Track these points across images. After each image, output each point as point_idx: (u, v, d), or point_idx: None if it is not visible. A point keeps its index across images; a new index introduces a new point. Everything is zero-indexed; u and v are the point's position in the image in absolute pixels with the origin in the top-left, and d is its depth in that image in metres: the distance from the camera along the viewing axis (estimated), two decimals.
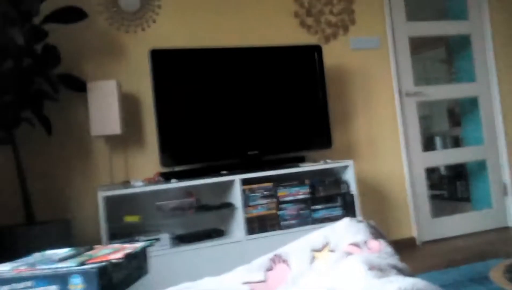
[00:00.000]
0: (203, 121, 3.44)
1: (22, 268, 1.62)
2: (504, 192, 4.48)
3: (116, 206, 3.17)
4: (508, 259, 2.56)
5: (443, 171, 4.97)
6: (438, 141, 4.93)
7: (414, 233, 4.11)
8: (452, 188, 4.99)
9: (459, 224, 4.31)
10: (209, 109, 3.45)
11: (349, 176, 3.52)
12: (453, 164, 4.75)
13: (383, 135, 4.14)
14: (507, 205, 4.48)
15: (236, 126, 3.49)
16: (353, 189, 3.49)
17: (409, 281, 0.80)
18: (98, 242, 2.88)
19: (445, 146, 4.92)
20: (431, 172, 4.41)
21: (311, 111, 3.65)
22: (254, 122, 3.53)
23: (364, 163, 4.04)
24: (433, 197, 4.36)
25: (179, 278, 2.66)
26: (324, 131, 3.68)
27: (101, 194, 3.00)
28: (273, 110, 3.58)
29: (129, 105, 3.53)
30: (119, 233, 3.07)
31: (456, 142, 4.99)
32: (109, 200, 3.07)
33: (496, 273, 2.23)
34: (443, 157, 4.44)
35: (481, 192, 4.61)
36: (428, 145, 4.58)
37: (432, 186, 4.39)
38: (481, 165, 4.56)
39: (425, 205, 4.22)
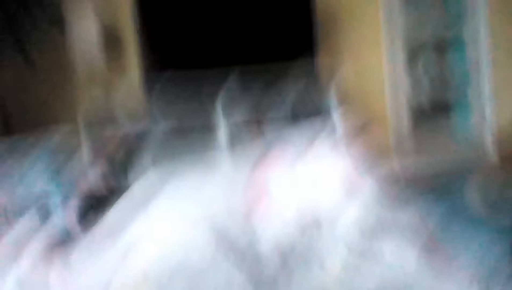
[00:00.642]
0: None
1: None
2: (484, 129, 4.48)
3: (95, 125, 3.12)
4: None
5: (426, 105, 4.95)
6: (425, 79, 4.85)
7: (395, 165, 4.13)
8: (434, 122, 4.97)
9: (439, 156, 4.34)
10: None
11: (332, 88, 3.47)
12: (437, 100, 4.73)
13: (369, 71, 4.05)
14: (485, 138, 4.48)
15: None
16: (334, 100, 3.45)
17: (387, 206, 0.83)
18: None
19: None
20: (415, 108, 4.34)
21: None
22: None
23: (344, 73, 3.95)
24: (415, 131, 4.33)
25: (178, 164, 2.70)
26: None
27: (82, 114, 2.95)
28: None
29: (109, 39, 3.38)
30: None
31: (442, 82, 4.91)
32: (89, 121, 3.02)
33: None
34: (427, 91, 4.40)
35: (462, 126, 4.59)
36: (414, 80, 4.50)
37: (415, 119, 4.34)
38: (464, 100, 4.51)
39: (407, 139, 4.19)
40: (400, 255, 0.70)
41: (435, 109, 4.72)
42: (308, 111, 3.25)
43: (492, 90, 3.98)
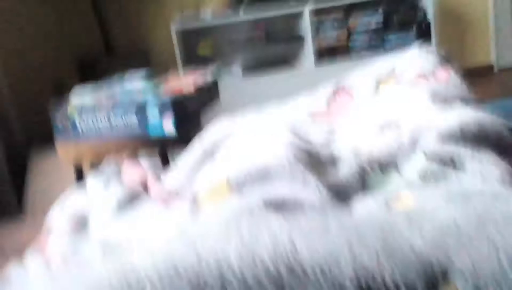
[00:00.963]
0: None
1: (104, 97, 1.76)
2: None
3: (189, 37, 3.23)
4: None
5: None
6: None
7: (493, 60, 3.90)
8: None
9: None
10: None
11: (427, 2, 3.29)
12: None
13: None
14: None
15: None
16: (430, 15, 3.27)
17: (470, 113, 0.79)
18: (175, 72, 3.01)
19: None
20: None
21: None
22: None
23: None
24: None
25: (249, 105, 2.78)
26: None
27: (175, 26, 3.05)
28: None
29: None
30: (193, 63, 3.17)
31: None
32: (182, 33, 3.12)
33: None
34: None
35: None
36: None
37: None
38: None
39: (509, 30, 3.91)
40: (482, 169, 0.68)
41: None
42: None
43: None
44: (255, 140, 0.98)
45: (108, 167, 1.22)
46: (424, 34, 3.28)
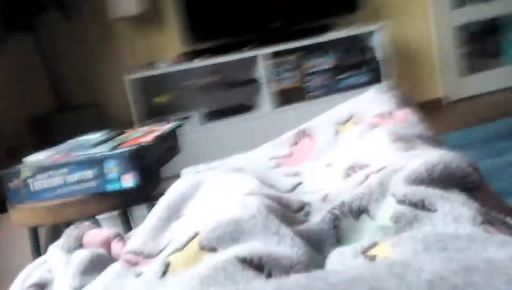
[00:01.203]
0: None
1: (58, 155, 1.70)
2: None
3: (143, 88, 3.21)
4: None
5: (473, 27, 4.73)
6: None
7: (440, 93, 4.06)
8: (482, 44, 4.79)
9: (488, 81, 4.22)
10: None
11: (376, 42, 3.42)
12: (484, 20, 4.51)
13: None
14: None
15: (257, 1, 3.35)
16: (379, 54, 3.40)
17: (435, 154, 0.80)
18: (131, 125, 2.97)
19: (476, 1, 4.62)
20: (460, 29, 4.21)
21: None
22: None
23: (391, 27, 3.88)
24: (461, 55, 4.22)
25: (210, 154, 2.76)
26: None
27: (128, 77, 3.02)
28: None
29: None
30: (149, 115, 3.14)
31: None
32: (136, 83, 3.10)
33: None
34: (473, 13, 4.22)
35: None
36: (459, 1, 4.31)
37: (461, 44, 4.23)
38: None
39: (453, 64, 4.11)
40: (453, 211, 0.68)
41: (483, 29, 4.50)
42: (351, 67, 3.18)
43: None
44: (223, 193, 0.96)
45: (67, 229, 1.16)
46: (375, 73, 3.39)
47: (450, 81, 4.10)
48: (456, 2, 4.11)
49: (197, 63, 3.19)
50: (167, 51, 3.48)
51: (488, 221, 0.68)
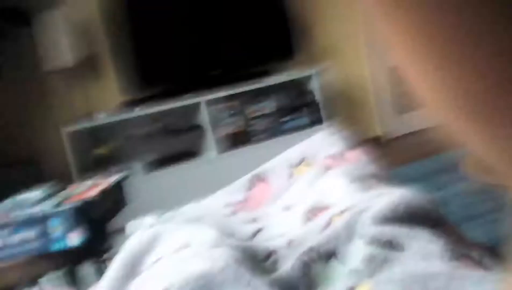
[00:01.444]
0: (162, 44, 3.31)
1: None
2: None
3: (82, 141, 3.11)
4: None
5: None
6: None
7: (379, 131, 4.21)
8: None
9: (423, 118, 4.41)
10: (165, 30, 3.31)
11: (315, 84, 3.52)
12: None
13: (345, 37, 4.10)
14: None
15: (195, 46, 3.38)
16: (319, 96, 3.50)
17: (396, 193, 0.81)
18: (70, 179, 2.84)
19: None
20: (394, 70, 4.42)
21: (270, 20, 3.55)
22: (214, 39, 3.42)
23: (329, 69, 4.02)
24: (397, 94, 4.42)
25: (156, 203, 2.67)
26: (286, 40, 3.60)
27: (66, 130, 2.92)
28: (231, 24, 3.47)
29: (80, 34, 3.34)
30: (90, 168, 3.03)
31: None
32: (74, 135, 3.00)
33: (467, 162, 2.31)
34: None
35: None
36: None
37: (395, 83, 4.44)
38: None
39: (389, 103, 4.29)
40: (421, 245, 0.68)
41: None
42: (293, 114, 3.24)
43: None
44: (183, 246, 0.92)
45: None
46: (316, 115, 3.47)
47: (387, 119, 4.27)
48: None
49: (138, 112, 3.14)
50: (106, 101, 3.41)
51: (455, 256, 0.69)
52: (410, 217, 0.78)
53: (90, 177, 2.80)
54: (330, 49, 4.03)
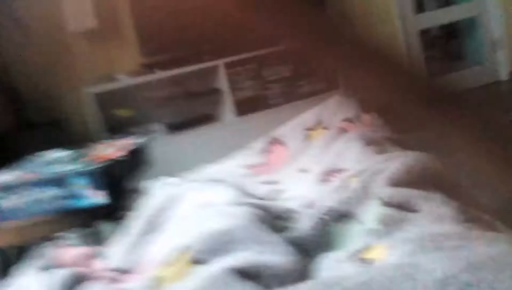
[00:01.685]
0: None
1: (25, 174, 1.64)
2: (495, 48, 4.49)
3: (104, 102, 3.15)
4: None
5: (435, 31, 4.90)
6: (429, 2, 4.80)
7: None
8: (445, 47, 4.96)
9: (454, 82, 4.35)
10: None
11: None
12: (445, 24, 4.68)
13: (376, 1, 4.04)
14: (498, 60, 4.50)
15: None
16: None
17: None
18: (91, 140, 2.90)
19: (435, 6, 4.80)
20: (423, 33, 4.35)
21: None
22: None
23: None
24: (426, 58, 4.35)
25: (175, 166, 2.72)
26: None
27: (88, 91, 2.97)
28: None
29: None
30: (111, 129, 3.09)
31: (447, 1, 4.87)
32: (96, 97, 3.04)
33: None
34: (435, 18, 4.37)
35: (473, 49, 4.61)
36: (420, 7, 4.46)
37: (425, 47, 4.36)
38: (473, 22, 4.51)
39: (419, 67, 4.23)
40: (436, 210, 0.70)
41: (445, 33, 4.66)
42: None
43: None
44: (204, 204, 0.96)
45: (41, 249, 1.13)
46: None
47: None
48: (417, 7, 4.25)
49: (157, 75, 3.16)
50: (126, 64, 3.43)
51: (468, 219, 0.71)
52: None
53: (112, 139, 2.86)
54: (361, 10, 3.96)
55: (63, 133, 3.08)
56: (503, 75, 4.53)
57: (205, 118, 3.33)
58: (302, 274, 0.66)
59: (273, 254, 0.69)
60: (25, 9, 3.19)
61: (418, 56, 4.24)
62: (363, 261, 0.61)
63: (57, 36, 3.30)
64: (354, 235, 0.75)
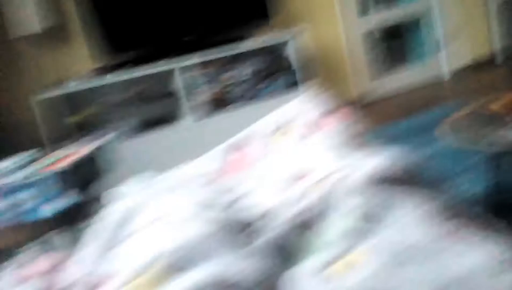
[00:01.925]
0: (133, 8, 3.21)
1: None
2: (438, 48, 4.61)
3: (55, 108, 3.04)
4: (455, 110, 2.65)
5: (378, 33, 4.99)
6: (372, 3, 4.88)
7: (354, 96, 4.23)
8: (388, 49, 5.07)
9: (397, 82, 4.46)
10: None
11: (290, 49, 3.49)
12: (389, 26, 4.77)
13: (319, 4, 4.05)
14: (440, 60, 4.63)
15: (168, 10, 3.29)
16: (295, 61, 3.47)
17: (375, 160, 0.81)
18: (42, 148, 2.79)
19: (379, 8, 4.88)
20: (367, 36, 4.42)
21: None
22: (187, 2, 3.34)
23: (303, 35, 3.97)
24: (371, 60, 4.43)
25: (133, 170, 2.64)
26: (261, 3, 3.53)
27: (36, 98, 2.85)
28: None
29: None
30: (64, 136, 2.98)
31: (391, 2, 4.96)
32: (45, 103, 2.92)
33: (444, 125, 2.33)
34: (379, 20, 4.44)
35: (416, 49, 4.73)
36: (363, 9, 4.52)
37: (369, 49, 4.43)
38: (415, 23, 4.61)
39: (364, 68, 4.30)
40: (405, 218, 0.68)
41: (388, 34, 4.76)
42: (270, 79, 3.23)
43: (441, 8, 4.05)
44: (164, 216, 0.91)
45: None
46: (291, 79, 3.45)
47: (362, 83, 4.29)
48: (361, 10, 4.31)
49: (110, 78, 3.07)
50: (77, 68, 3.32)
51: (438, 223, 0.69)
52: (390, 182, 0.78)
53: (65, 146, 2.75)
54: (305, 13, 3.99)
55: (10, 142, 2.94)
56: (446, 74, 4.66)
57: (162, 122, 3.26)
58: (266, 288, 0.63)
59: (235, 268, 0.66)
60: None
61: (361, 57, 4.30)
62: (328, 276, 0.58)
63: (0, 42, 3.15)
64: (314, 249, 0.72)
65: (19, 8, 2.93)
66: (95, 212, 1.19)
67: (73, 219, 1.69)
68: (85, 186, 1.81)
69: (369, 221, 0.71)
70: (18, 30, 2.96)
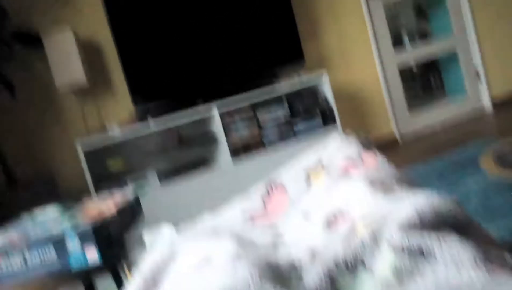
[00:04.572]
0: (171, 56, 3.31)
1: (15, 235, 1.58)
2: (477, 79, 4.52)
3: (97, 155, 3.11)
4: (494, 143, 2.57)
5: (415, 68, 4.95)
6: (407, 39, 4.86)
7: (393, 130, 4.16)
8: (426, 82, 5.01)
9: (436, 114, 4.38)
10: (174, 43, 3.31)
11: (325, 87, 3.49)
12: (425, 60, 4.73)
13: (354, 41, 4.07)
14: (480, 91, 4.53)
15: (204, 57, 3.37)
16: (330, 98, 3.46)
17: (422, 198, 0.78)
18: (86, 193, 2.85)
19: (415, 44, 4.86)
20: (404, 70, 4.38)
21: (279, 28, 3.54)
22: (223, 49, 3.41)
23: (338, 73, 3.99)
24: (408, 94, 4.37)
25: (174, 213, 2.66)
26: (295, 45, 3.58)
27: (80, 145, 2.93)
28: (240, 35, 3.45)
29: (89, 53, 3.36)
30: (105, 180, 3.03)
31: (426, 37, 4.94)
32: (89, 153, 3.00)
33: (485, 158, 2.25)
34: (414, 55, 4.42)
35: (454, 82, 4.65)
36: (398, 44, 4.51)
37: (406, 83, 4.39)
38: (453, 56, 4.56)
39: (401, 102, 4.25)
40: (452, 251, 0.65)
41: (425, 69, 4.70)
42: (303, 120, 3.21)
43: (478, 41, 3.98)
44: (203, 261, 0.90)
45: None
46: (328, 116, 3.44)
47: (401, 117, 4.23)
48: (397, 46, 4.31)
49: (152, 128, 3.14)
50: (118, 114, 3.42)
51: (487, 259, 0.66)
52: (437, 222, 0.75)
53: (105, 192, 2.80)
54: (340, 52, 4.00)
55: (54, 188, 3.02)
56: (487, 107, 4.54)
57: (201, 166, 3.29)
58: None
59: None
60: (12, 71, 3.19)
61: (399, 93, 4.26)
62: None
63: (47, 95, 3.29)
64: (365, 287, 0.69)
65: (63, 63, 3.05)
66: (136, 255, 1.18)
67: (114, 264, 1.69)
68: (126, 230, 1.82)
69: (422, 257, 0.67)
70: (64, 85, 3.08)
